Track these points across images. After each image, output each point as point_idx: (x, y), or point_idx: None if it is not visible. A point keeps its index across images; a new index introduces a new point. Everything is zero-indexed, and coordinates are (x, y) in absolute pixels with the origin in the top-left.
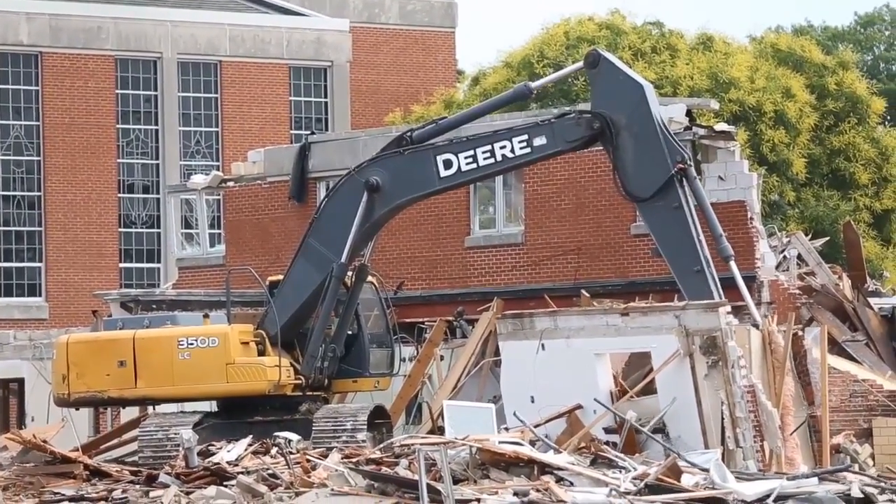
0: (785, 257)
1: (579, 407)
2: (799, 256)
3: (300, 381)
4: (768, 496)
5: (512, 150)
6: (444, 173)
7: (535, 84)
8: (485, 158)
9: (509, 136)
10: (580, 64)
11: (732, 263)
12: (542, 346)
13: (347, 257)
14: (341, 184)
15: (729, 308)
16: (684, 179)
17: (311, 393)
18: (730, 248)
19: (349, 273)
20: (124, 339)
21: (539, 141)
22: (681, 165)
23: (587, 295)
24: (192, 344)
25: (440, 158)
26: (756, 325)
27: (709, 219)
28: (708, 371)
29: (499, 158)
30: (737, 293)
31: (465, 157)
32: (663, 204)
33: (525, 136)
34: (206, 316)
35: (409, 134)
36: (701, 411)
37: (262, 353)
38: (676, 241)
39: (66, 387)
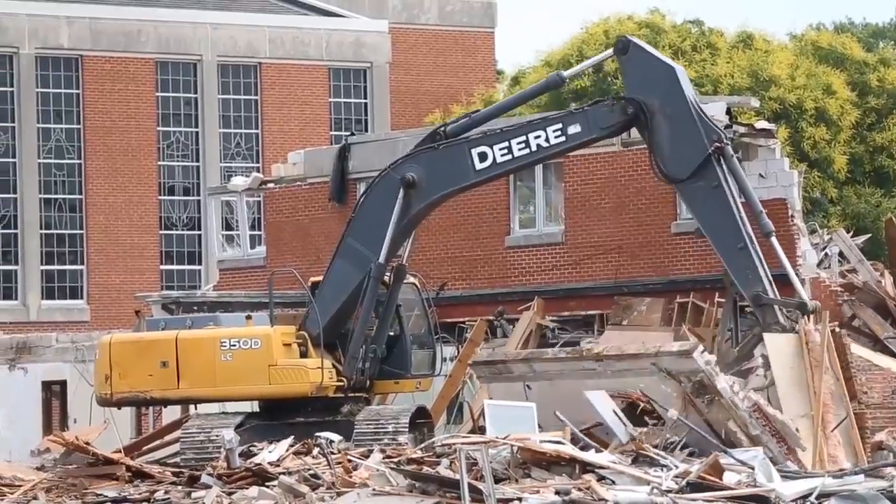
0: (826, 255)
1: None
2: (840, 254)
3: (342, 383)
4: (810, 494)
5: (547, 140)
6: (479, 166)
7: (567, 73)
8: (520, 149)
9: (543, 126)
10: (610, 52)
11: (774, 239)
12: (528, 386)
13: (386, 256)
14: (377, 182)
15: (702, 348)
16: (721, 158)
17: (353, 394)
18: (770, 223)
19: (387, 273)
20: (167, 339)
21: (573, 129)
22: (717, 144)
23: (621, 302)
24: (234, 345)
25: (475, 151)
26: (803, 305)
27: (748, 196)
28: (707, 407)
29: (534, 148)
30: (788, 289)
31: (500, 149)
32: (703, 184)
33: (559, 125)
34: (248, 317)
35: (442, 129)
36: (717, 433)
37: (304, 354)
38: (718, 220)
39: (109, 387)
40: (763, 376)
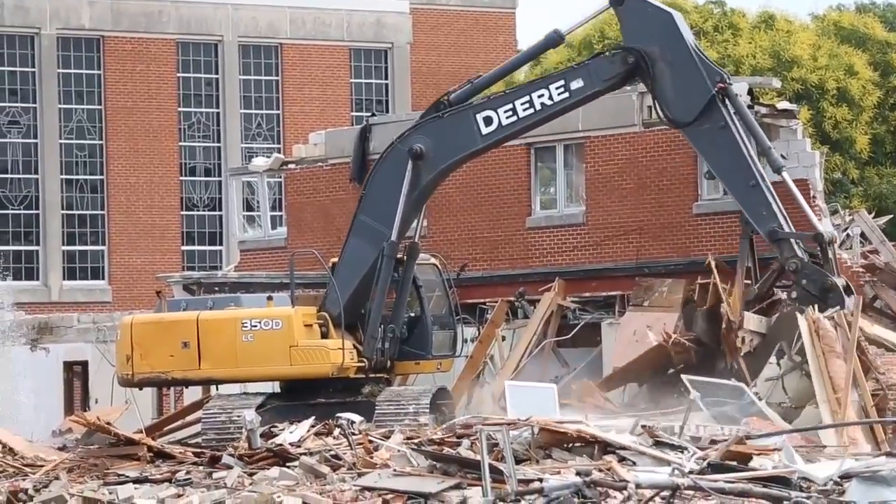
0: (848, 235)
1: None
2: (862, 234)
3: (363, 364)
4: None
5: (550, 97)
6: (485, 130)
7: (565, 29)
8: (524, 109)
9: (546, 84)
10: (606, 4)
11: (786, 174)
12: None
13: (398, 233)
14: (385, 156)
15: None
16: (726, 99)
17: (373, 375)
18: (780, 159)
19: (400, 252)
20: (188, 320)
21: (576, 84)
22: (721, 85)
23: (642, 283)
24: (255, 326)
25: (480, 116)
26: (820, 236)
27: (755, 133)
28: None
29: (538, 108)
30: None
31: (505, 112)
32: (710, 126)
33: (562, 81)
34: (269, 298)
35: (446, 97)
36: None
37: (325, 335)
38: (728, 160)
39: (130, 367)
40: (777, 365)
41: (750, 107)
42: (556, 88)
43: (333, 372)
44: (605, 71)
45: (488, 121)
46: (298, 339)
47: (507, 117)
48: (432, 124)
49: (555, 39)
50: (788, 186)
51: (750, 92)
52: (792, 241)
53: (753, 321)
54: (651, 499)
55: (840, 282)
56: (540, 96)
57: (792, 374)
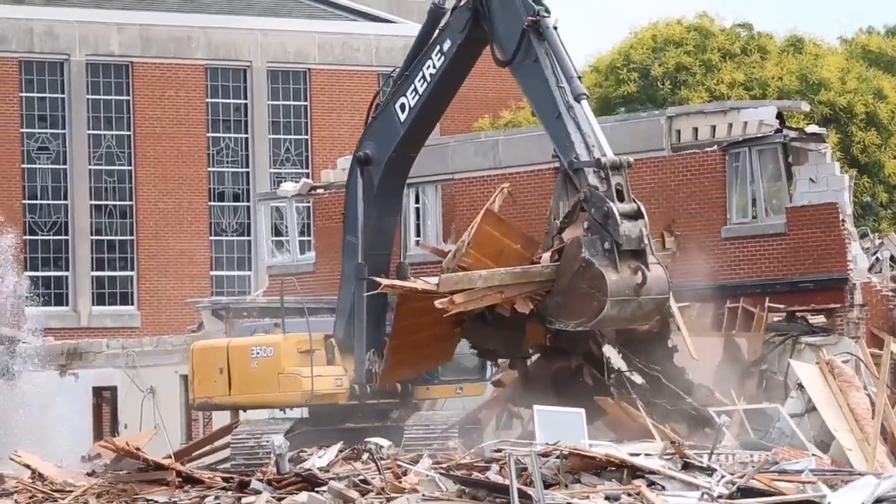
0: (877, 259)
1: None
2: (892, 258)
3: (346, 390)
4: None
5: (434, 66)
6: (402, 117)
7: None
8: (421, 85)
9: (429, 55)
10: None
11: (584, 103)
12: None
13: (363, 247)
14: (349, 172)
15: None
16: (540, 32)
17: (384, 400)
18: (581, 87)
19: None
20: (221, 347)
21: (446, 45)
22: (531, 18)
23: None
24: (258, 354)
25: (397, 106)
26: (597, 161)
27: (561, 62)
28: None
29: (428, 79)
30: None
31: (410, 93)
32: (527, 61)
33: (437, 48)
34: (276, 325)
35: (378, 100)
36: None
37: (331, 361)
38: (539, 95)
39: (193, 392)
40: (800, 399)
41: (778, 130)
42: (436, 55)
43: (304, 399)
44: (458, 22)
45: (403, 107)
46: (285, 366)
47: (413, 98)
48: (370, 128)
49: (435, 11)
50: (586, 117)
51: (779, 115)
52: (586, 170)
53: (546, 258)
54: None
55: (623, 207)
56: (428, 68)
57: (814, 411)
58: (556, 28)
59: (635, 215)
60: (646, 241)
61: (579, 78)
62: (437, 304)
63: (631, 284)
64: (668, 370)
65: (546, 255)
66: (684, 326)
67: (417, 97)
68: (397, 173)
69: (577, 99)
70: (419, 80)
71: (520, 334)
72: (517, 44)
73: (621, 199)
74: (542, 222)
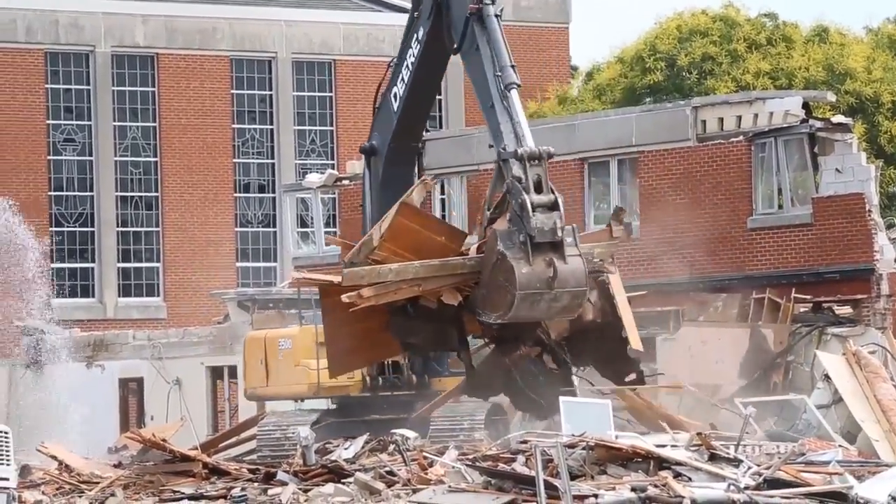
0: None
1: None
2: None
3: (366, 381)
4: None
5: (413, 54)
6: (395, 106)
7: None
8: (406, 74)
9: (409, 42)
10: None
11: (513, 93)
12: None
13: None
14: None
15: None
16: (482, 20)
17: (398, 392)
18: (512, 76)
19: None
20: (261, 338)
21: (420, 32)
22: (474, 6)
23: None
24: (282, 346)
25: (391, 95)
26: (513, 152)
27: (497, 51)
28: None
29: (410, 67)
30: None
31: (400, 82)
32: (472, 50)
33: (414, 36)
34: (301, 317)
35: (380, 93)
36: None
37: None
38: (479, 82)
39: (245, 382)
40: (826, 390)
41: (804, 120)
42: (414, 44)
43: (311, 392)
44: (426, 9)
45: (395, 96)
46: (299, 358)
47: (401, 87)
48: (375, 119)
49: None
50: (513, 107)
51: (805, 105)
52: (511, 160)
53: (473, 249)
54: None
55: (538, 199)
56: (409, 56)
57: (841, 402)
58: (498, 16)
59: (551, 207)
60: (560, 234)
61: (513, 67)
62: (344, 298)
63: (543, 278)
64: (617, 362)
65: (474, 247)
66: (629, 315)
67: (404, 86)
68: (400, 163)
69: (507, 88)
70: (405, 69)
71: (451, 326)
72: (462, 31)
73: (539, 191)
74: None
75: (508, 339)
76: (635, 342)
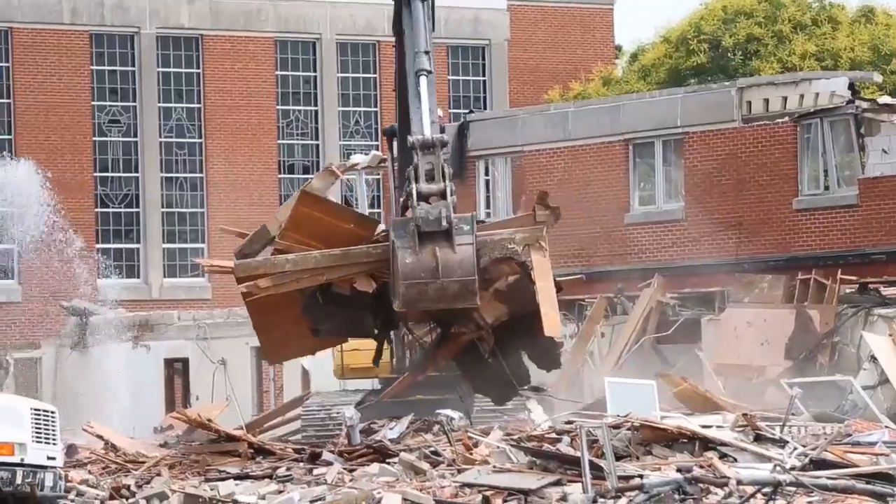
0: None
1: None
2: None
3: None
4: None
5: (402, 33)
6: (398, 85)
7: None
8: (400, 53)
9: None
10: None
11: (422, 79)
12: None
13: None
14: None
15: None
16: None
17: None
18: (423, 62)
19: None
20: None
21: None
22: None
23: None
24: None
25: (400, 74)
26: (412, 143)
27: (415, 35)
28: None
29: (400, 46)
30: None
31: (401, 60)
32: (402, 33)
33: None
34: None
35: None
36: None
37: None
38: (403, 66)
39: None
40: (872, 371)
41: (850, 101)
42: (404, 23)
43: (339, 374)
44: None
45: (399, 74)
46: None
47: (400, 65)
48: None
49: None
50: (419, 93)
51: (851, 86)
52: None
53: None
54: (752, 495)
55: (427, 188)
56: (402, 35)
57: (887, 383)
58: (424, 1)
59: (441, 196)
60: (445, 223)
61: (427, 53)
62: (242, 289)
63: (428, 267)
64: (538, 350)
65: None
66: (548, 299)
67: (399, 65)
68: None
69: (417, 74)
70: (400, 47)
71: (365, 313)
72: (396, 13)
73: (431, 180)
74: (607, 195)
75: (446, 324)
76: (549, 327)
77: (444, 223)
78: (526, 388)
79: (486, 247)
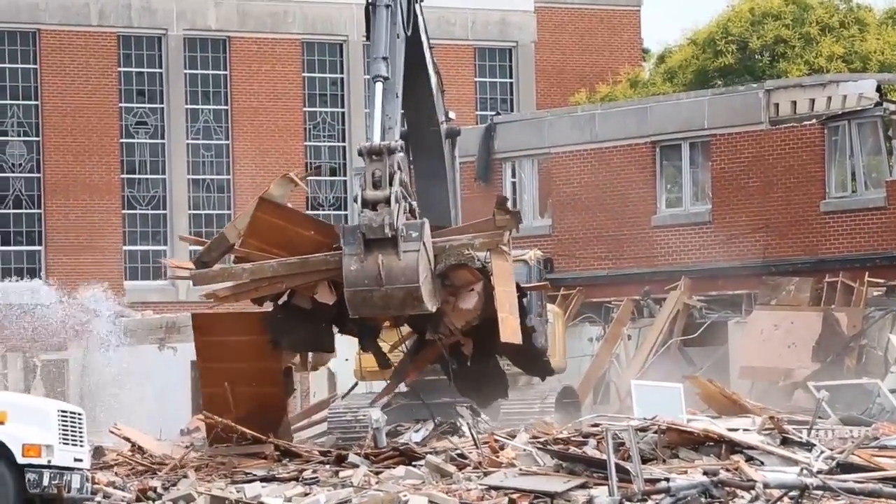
0: None
1: None
2: None
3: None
4: None
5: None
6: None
7: None
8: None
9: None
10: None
11: (377, 86)
12: None
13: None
14: None
15: None
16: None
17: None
18: (378, 68)
19: None
20: None
21: None
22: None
23: (769, 282)
24: None
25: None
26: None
27: (374, 41)
28: None
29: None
30: None
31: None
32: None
33: None
34: None
35: None
36: None
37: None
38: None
39: None
40: None
41: (878, 103)
42: None
43: (357, 377)
44: None
45: None
46: None
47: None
48: None
49: None
50: (373, 99)
51: (878, 88)
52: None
53: None
54: (779, 499)
55: (372, 195)
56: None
57: None
58: (389, 7)
59: (386, 203)
60: (388, 231)
61: (384, 59)
62: (203, 296)
63: (371, 275)
64: (525, 359)
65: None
66: (506, 305)
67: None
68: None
69: (373, 80)
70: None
71: (327, 328)
72: (365, 20)
73: (378, 187)
74: (634, 197)
75: (419, 329)
76: (506, 333)
77: (388, 231)
78: (466, 406)
79: (443, 253)
